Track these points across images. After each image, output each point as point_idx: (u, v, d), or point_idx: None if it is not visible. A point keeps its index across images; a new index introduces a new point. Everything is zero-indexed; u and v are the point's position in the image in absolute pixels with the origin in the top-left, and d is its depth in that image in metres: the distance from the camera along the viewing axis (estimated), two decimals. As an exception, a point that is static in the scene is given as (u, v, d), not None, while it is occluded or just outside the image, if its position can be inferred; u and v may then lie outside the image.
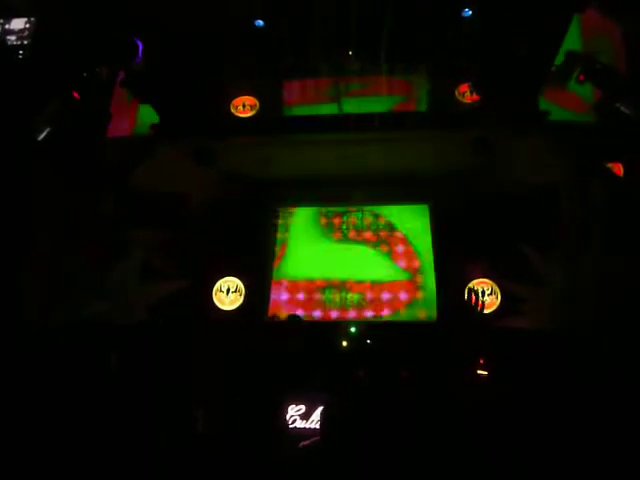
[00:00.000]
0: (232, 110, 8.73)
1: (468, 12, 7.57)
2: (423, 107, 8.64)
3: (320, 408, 5.72)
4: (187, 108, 8.16)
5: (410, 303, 9.01)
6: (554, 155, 7.38)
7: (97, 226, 6.71)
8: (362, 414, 2.79)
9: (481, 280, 8.26)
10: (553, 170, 7.32)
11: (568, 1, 6.93)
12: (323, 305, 9.17)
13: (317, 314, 9.09)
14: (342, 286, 9.30)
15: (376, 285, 9.22)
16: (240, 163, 9.01)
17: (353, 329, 8.28)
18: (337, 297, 9.22)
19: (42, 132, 6.68)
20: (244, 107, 8.75)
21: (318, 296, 9.25)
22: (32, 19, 7.18)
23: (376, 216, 9.85)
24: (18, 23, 7.21)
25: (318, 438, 2.68)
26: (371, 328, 8.35)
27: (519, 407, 4.10)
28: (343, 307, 9.13)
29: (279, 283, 9.47)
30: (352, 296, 9.20)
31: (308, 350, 6.67)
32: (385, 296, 9.11)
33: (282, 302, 9.28)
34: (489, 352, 6.54)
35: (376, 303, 9.08)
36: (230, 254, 8.88)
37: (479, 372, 6.43)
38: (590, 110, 7.59)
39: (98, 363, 3.73)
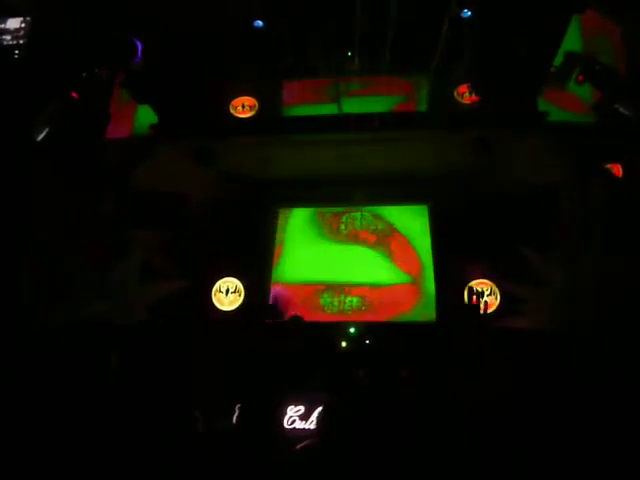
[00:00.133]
0: (231, 110, 8.73)
1: (467, 13, 7.58)
2: (423, 107, 8.63)
3: (319, 409, 5.72)
4: (187, 108, 8.16)
5: (411, 307, 8.87)
6: (554, 155, 7.39)
7: (97, 226, 6.71)
8: (361, 414, 2.78)
9: (481, 281, 8.25)
10: (553, 170, 7.32)
11: (567, 2, 6.94)
12: (321, 309, 9.00)
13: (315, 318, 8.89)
14: (341, 289, 9.15)
15: (376, 288, 9.08)
16: (240, 163, 9.00)
17: (352, 329, 8.26)
18: (335, 301, 9.07)
19: (41, 132, 6.68)
20: (243, 107, 8.75)
21: (316, 300, 9.08)
22: (27, 18, 7.16)
23: (376, 216, 9.75)
24: (14, 23, 7.19)
25: (316, 439, 2.68)
26: (370, 329, 8.32)
27: (519, 407, 4.10)
28: (342, 311, 8.97)
29: (275, 285, 9.34)
30: (351, 299, 9.06)
31: (307, 351, 6.68)
32: (385, 300, 8.95)
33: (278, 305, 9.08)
34: (489, 352, 6.55)
35: (376, 307, 8.92)
36: (230, 254, 8.87)
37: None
38: (589, 111, 7.60)
39: (98, 363, 3.72)
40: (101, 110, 8.04)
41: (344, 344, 8.00)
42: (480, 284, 8.23)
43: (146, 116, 8.41)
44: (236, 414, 4.64)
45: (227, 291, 8.85)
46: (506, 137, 7.79)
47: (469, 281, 8.27)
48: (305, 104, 8.83)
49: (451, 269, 8.52)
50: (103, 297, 5.97)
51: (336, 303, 9.05)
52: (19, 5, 7.23)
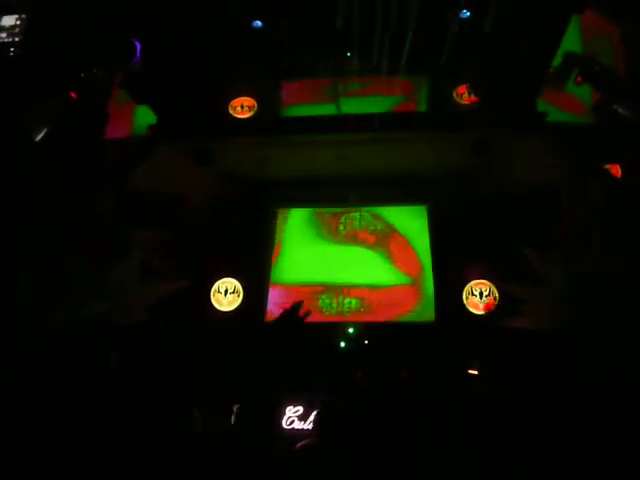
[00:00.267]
0: (230, 111, 8.73)
1: (466, 13, 7.59)
2: (422, 107, 8.64)
3: (318, 409, 5.72)
4: (185, 109, 8.16)
5: (411, 308, 8.76)
6: (553, 155, 7.39)
7: (96, 226, 6.70)
8: (360, 415, 2.78)
9: (480, 281, 8.25)
10: (552, 170, 7.33)
11: (566, 2, 6.95)
12: (319, 311, 8.83)
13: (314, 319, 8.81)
14: (339, 290, 9.03)
15: (375, 289, 8.96)
16: (239, 163, 8.99)
17: (351, 330, 8.24)
18: (334, 302, 8.95)
19: (40, 132, 6.67)
20: (242, 108, 8.75)
21: (314, 301, 8.92)
22: (23, 16, 7.15)
23: (375, 217, 9.67)
24: (8, 20, 7.18)
25: (314, 438, 2.67)
26: (369, 329, 8.31)
27: (519, 407, 4.10)
28: (340, 313, 8.84)
29: (273, 287, 9.24)
30: (350, 301, 8.93)
31: (306, 351, 6.67)
32: (385, 301, 8.83)
33: (274, 308, 8.93)
34: (488, 353, 6.55)
35: (375, 308, 8.79)
36: (228, 255, 8.86)
37: (471, 372, 6.45)
38: (588, 112, 7.61)
39: (98, 363, 3.71)
40: (100, 110, 8.04)
41: (343, 344, 8.00)
42: (479, 284, 8.24)
43: (145, 116, 8.41)
44: (234, 414, 4.64)
45: (226, 291, 8.82)
46: (505, 137, 7.79)
47: (468, 281, 8.28)
48: (304, 104, 8.84)
49: (450, 269, 8.50)
50: (103, 297, 5.96)
51: (335, 305, 8.93)
52: (18, 5, 7.23)
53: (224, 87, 8.81)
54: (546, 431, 3.63)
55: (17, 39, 7.09)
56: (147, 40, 7.42)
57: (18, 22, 7.15)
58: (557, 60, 7.46)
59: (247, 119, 8.68)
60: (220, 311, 8.71)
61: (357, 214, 9.76)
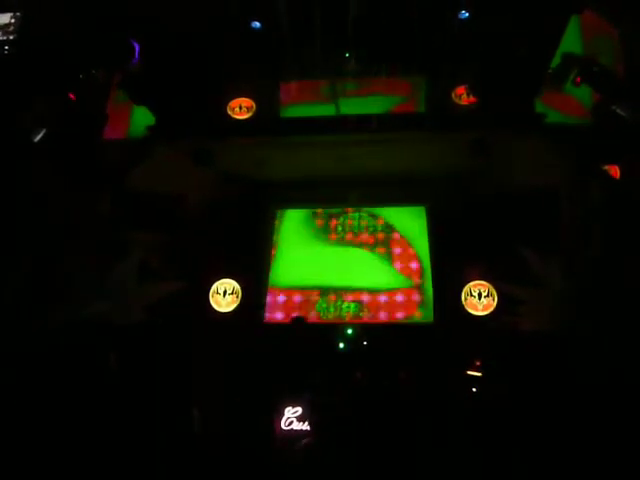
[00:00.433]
0: (229, 112, 8.73)
1: (465, 14, 7.60)
2: (421, 108, 8.64)
3: (318, 409, 5.72)
4: (184, 109, 8.15)
5: (411, 313, 8.63)
6: (552, 156, 7.40)
7: (95, 226, 6.69)
8: (359, 415, 2.79)
9: (479, 282, 8.24)
10: (551, 171, 7.34)
11: (566, 2, 6.96)
12: (317, 315, 8.71)
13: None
14: (337, 294, 8.86)
15: (374, 293, 8.80)
16: (238, 164, 8.98)
17: (350, 331, 8.21)
18: (332, 307, 8.78)
19: (38, 133, 6.66)
20: (241, 109, 8.75)
21: (311, 305, 8.81)
22: (17, 14, 7.12)
23: (374, 217, 9.58)
24: (3, 18, 7.15)
25: (313, 438, 2.68)
26: (368, 330, 8.28)
27: (519, 407, 4.10)
28: (338, 318, 8.66)
29: (270, 290, 9.11)
30: (348, 305, 8.76)
31: (305, 352, 6.66)
32: (384, 306, 8.67)
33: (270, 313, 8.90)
34: (487, 353, 6.55)
35: (374, 313, 8.64)
36: (227, 256, 8.84)
37: (473, 373, 6.44)
38: (587, 113, 7.62)
39: (97, 363, 3.71)
40: (98, 111, 8.03)
41: (342, 345, 7.98)
42: (478, 285, 8.23)
43: (142, 117, 8.40)
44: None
45: (224, 292, 8.80)
46: (504, 138, 7.80)
47: (467, 282, 8.26)
48: (303, 104, 8.83)
49: (449, 270, 8.48)
50: (102, 297, 5.95)
51: (332, 309, 8.77)
52: (18, 4, 7.21)
53: (223, 88, 8.81)
54: (546, 431, 3.64)
55: (12, 37, 7.06)
56: (147, 40, 7.41)
57: (12, 20, 7.13)
58: (556, 61, 7.46)
59: (246, 120, 8.67)
60: (219, 312, 8.69)
61: (356, 214, 9.68)
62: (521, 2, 6.85)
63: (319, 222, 9.71)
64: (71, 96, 7.19)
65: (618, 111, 6.84)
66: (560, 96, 7.70)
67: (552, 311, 6.08)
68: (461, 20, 7.61)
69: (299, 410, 6.78)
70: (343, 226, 9.60)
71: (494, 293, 8.14)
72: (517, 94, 7.45)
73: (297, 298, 8.95)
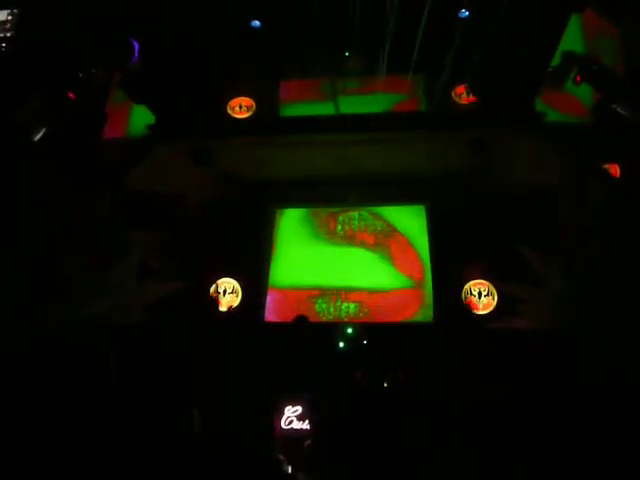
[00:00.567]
0: (229, 111, 8.74)
1: (465, 13, 7.58)
2: (421, 107, 8.64)
3: (318, 408, 5.72)
4: (184, 108, 8.15)
5: (413, 313, 8.56)
6: (552, 155, 7.40)
7: (95, 226, 6.69)
8: (359, 414, 2.78)
9: (479, 281, 8.25)
10: (551, 170, 7.34)
11: (566, 1, 6.95)
12: (316, 316, 8.61)
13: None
14: (337, 294, 8.82)
15: (375, 293, 8.74)
16: (237, 164, 8.99)
17: (350, 330, 8.21)
18: (331, 307, 8.76)
19: (38, 132, 6.65)
20: (241, 108, 8.76)
21: (310, 306, 8.76)
22: (15, 11, 7.11)
23: (375, 216, 9.53)
24: (0, 15, 7.14)
25: (316, 438, 2.69)
26: (368, 329, 8.27)
27: (518, 407, 4.10)
28: (338, 318, 8.61)
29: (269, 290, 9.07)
30: (348, 305, 8.72)
31: (305, 351, 6.66)
32: (385, 306, 8.60)
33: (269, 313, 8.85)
34: (487, 353, 6.54)
35: (375, 314, 8.57)
36: (227, 255, 8.84)
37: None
38: (587, 112, 7.61)
39: (97, 363, 3.71)
40: (98, 110, 8.02)
41: (342, 344, 7.98)
42: (478, 284, 8.24)
43: (141, 116, 8.40)
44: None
45: (224, 292, 8.81)
46: (503, 137, 7.80)
47: (467, 281, 8.27)
48: (303, 102, 8.83)
49: (449, 269, 8.47)
50: (102, 297, 5.95)
51: (332, 310, 8.74)
52: (15, 1, 7.21)
53: (223, 87, 8.81)
54: (546, 431, 3.63)
55: (9, 34, 7.05)
56: (147, 40, 7.40)
57: (9, 17, 7.11)
58: (556, 60, 7.45)
59: (245, 119, 8.68)
60: (219, 311, 8.69)
61: (356, 213, 9.63)
62: (521, 1, 6.84)
63: (319, 221, 9.67)
64: (70, 95, 7.18)
65: (618, 110, 6.83)
66: (560, 95, 7.69)
67: (552, 310, 6.08)
68: (461, 19, 7.59)
69: (299, 409, 6.79)
70: (343, 225, 9.57)
71: (494, 292, 8.15)
72: (517, 93, 7.44)
73: (297, 298, 8.92)
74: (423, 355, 7.01)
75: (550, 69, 7.51)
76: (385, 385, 5.40)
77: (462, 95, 8.24)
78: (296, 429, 6.73)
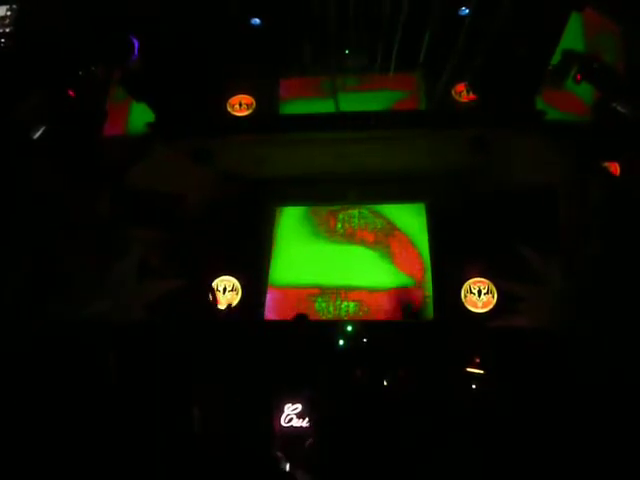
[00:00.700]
0: (229, 109, 8.73)
1: (465, 11, 7.58)
2: (421, 105, 8.64)
3: (317, 407, 5.73)
4: (184, 106, 8.14)
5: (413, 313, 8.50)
6: (552, 153, 7.40)
7: (94, 225, 6.68)
8: (358, 412, 2.78)
9: (478, 279, 8.25)
10: (551, 168, 7.33)
11: (566, 0, 6.93)
12: (316, 315, 8.62)
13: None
14: (337, 293, 8.83)
15: (375, 292, 8.74)
16: (237, 162, 8.98)
17: (350, 328, 8.22)
18: (331, 306, 8.76)
19: (37, 130, 6.64)
20: (240, 106, 8.75)
21: (310, 304, 8.77)
22: (14, 6, 7.09)
23: (375, 214, 9.51)
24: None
25: (316, 436, 2.69)
26: (367, 327, 8.27)
27: (518, 407, 4.10)
28: (338, 317, 8.60)
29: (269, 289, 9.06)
30: (348, 304, 8.73)
31: (305, 349, 6.67)
32: (385, 305, 8.59)
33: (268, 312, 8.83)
34: (486, 351, 6.55)
35: (375, 313, 8.56)
36: (227, 253, 8.85)
37: (473, 370, 6.45)
38: (588, 110, 7.60)
39: (97, 363, 3.71)
40: (98, 108, 8.01)
41: (341, 342, 7.99)
42: (477, 282, 8.24)
43: (140, 114, 8.38)
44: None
45: (224, 290, 8.82)
46: (503, 136, 7.80)
47: (467, 279, 8.28)
48: (303, 99, 8.83)
49: (449, 267, 8.48)
50: (102, 296, 5.94)
51: (331, 309, 8.74)
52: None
53: (222, 85, 8.80)
54: (546, 431, 3.63)
55: (8, 30, 7.03)
56: (147, 38, 7.39)
57: (9, 13, 7.09)
58: (556, 58, 7.44)
59: (245, 117, 8.67)
60: (219, 309, 8.70)
61: (356, 211, 9.62)
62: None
63: (319, 219, 9.66)
64: (70, 93, 7.16)
65: (619, 108, 6.82)
66: (560, 93, 7.68)
67: (552, 308, 6.08)
68: (461, 17, 7.58)
69: (299, 407, 6.81)
70: (343, 223, 9.57)
71: (494, 290, 8.16)
72: (517, 91, 7.43)
73: (296, 296, 8.92)
74: (423, 353, 7.02)
75: (550, 67, 7.50)
76: (385, 383, 5.40)
77: (462, 93, 8.24)
78: (296, 427, 6.76)
